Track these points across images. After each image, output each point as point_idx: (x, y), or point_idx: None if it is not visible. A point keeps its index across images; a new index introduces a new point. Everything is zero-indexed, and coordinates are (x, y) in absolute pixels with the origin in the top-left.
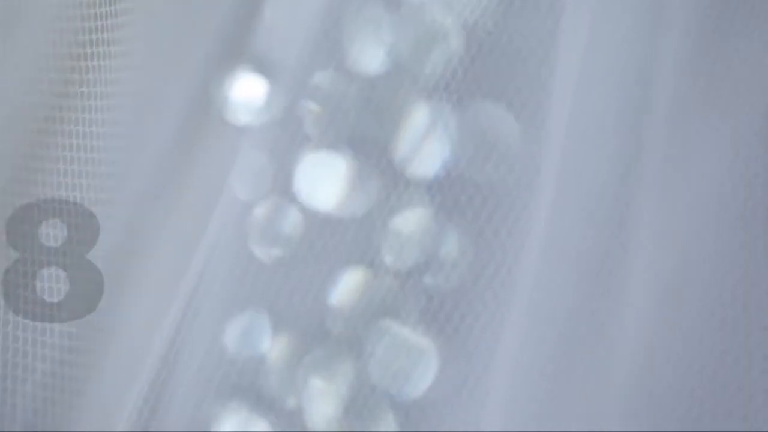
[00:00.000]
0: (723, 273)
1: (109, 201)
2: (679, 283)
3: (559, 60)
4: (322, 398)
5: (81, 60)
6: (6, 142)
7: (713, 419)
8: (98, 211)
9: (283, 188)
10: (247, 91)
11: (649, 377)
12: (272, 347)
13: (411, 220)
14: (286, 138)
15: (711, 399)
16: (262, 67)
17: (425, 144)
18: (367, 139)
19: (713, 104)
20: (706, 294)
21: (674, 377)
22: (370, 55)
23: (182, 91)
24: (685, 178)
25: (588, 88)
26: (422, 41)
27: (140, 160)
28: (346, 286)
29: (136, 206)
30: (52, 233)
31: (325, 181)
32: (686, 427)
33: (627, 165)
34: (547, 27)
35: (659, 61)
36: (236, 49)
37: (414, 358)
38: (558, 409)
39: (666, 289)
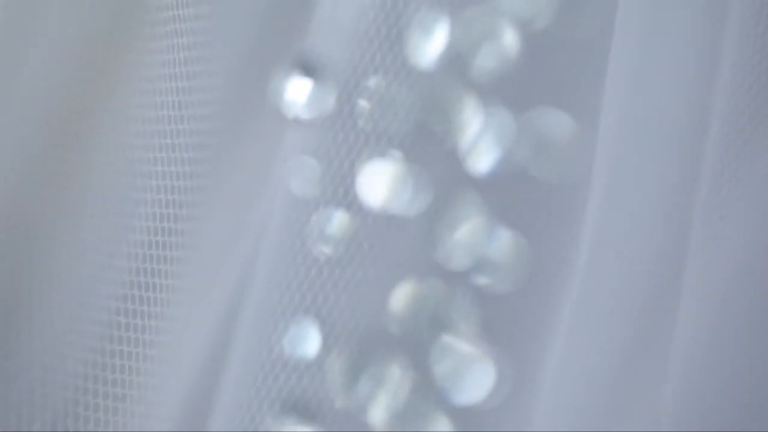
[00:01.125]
0: None
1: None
2: (733, 291)
3: (613, 57)
4: (374, 402)
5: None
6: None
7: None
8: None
9: (335, 185)
10: (301, 84)
11: (701, 387)
12: (323, 348)
13: (466, 221)
14: (338, 133)
15: (762, 413)
16: (316, 60)
17: (479, 143)
18: (420, 137)
19: None
20: (759, 304)
21: (725, 390)
22: (424, 51)
23: (232, 80)
24: (742, 182)
25: (643, 86)
26: (476, 37)
27: (184, 146)
28: (400, 288)
29: (177, 195)
30: None
31: (377, 178)
32: None
33: (683, 166)
34: (602, 22)
35: (719, 57)
36: (290, 39)
37: (470, 363)
38: (608, 416)
39: (719, 295)
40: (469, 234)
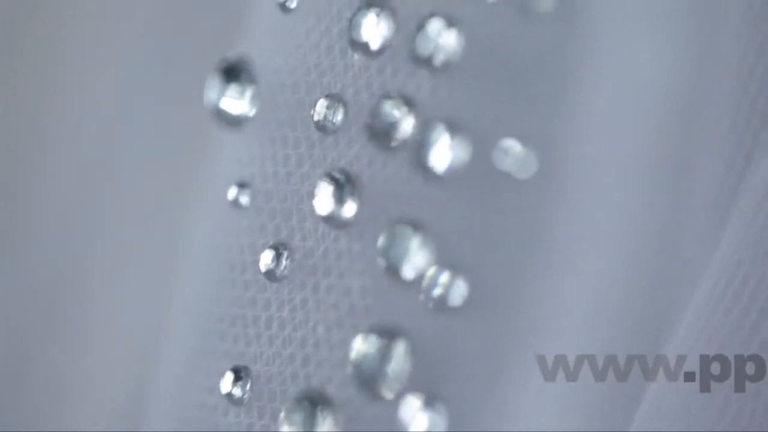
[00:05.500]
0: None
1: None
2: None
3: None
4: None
5: None
6: None
7: None
8: None
9: (282, 193)
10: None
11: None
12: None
13: (418, 230)
14: (287, 135)
15: None
16: (242, 58)
17: (433, 136)
18: (370, 130)
19: None
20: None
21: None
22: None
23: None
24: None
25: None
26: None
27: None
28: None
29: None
30: None
31: (325, 185)
32: None
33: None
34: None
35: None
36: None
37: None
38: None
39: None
40: (422, 242)
